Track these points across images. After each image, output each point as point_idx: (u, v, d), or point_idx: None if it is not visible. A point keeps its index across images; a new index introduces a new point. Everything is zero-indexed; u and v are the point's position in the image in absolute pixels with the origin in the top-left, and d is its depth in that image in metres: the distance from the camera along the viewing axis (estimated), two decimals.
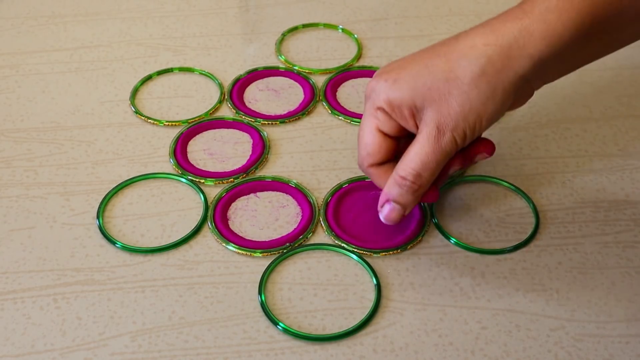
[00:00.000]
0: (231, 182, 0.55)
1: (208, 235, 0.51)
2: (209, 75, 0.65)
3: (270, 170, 0.56)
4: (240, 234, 0.51)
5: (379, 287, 0.47)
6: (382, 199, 0.48)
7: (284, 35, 0.70)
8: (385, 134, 0.47)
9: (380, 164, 0.48)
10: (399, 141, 0.48)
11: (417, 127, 0.45)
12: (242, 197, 0.54)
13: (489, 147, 0.48)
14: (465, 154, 0.48)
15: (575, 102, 0.62)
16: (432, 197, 0.48)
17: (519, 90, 0.44)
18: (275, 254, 0.50)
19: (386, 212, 0.48)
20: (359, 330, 0.45)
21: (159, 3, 0.74)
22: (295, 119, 0.60)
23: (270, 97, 0.63)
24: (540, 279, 0.48)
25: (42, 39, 0.69)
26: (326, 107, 0.62)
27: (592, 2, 0.42)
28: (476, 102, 0.43)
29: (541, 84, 0.46)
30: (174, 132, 0.59)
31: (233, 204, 0.53)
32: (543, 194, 0.54)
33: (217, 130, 0.60)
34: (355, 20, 0.72)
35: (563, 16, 0.42)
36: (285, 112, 0.61)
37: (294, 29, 0.71)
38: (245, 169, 0.55)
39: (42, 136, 0.59)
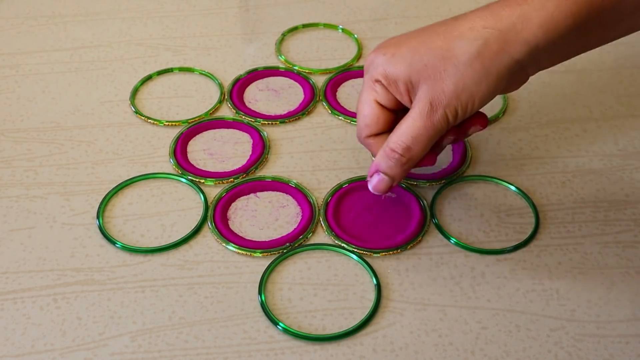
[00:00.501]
0: (231, 182, 0.55)
1: (208, 235, 0.51)
2: (209, 75, 0.65)
3: (270, 170, 0.56)
4: (240, 234, 0.51)
5: (379, 287, 0.47)
6: (371, 169, 0.48)
7: (284, 35, 0.70)
8: (382, 106, 0.48)
9: (378, 135, 0.49)
10: (397, 114, 0.49)
11: (412, 102, 0.46)
12: (242, 197, 0.54)
13: (483, 120, 0.49)
14: (459, 126, 0.48)
15: (575, 102, 0.62)
16: (429, 161, 0.49)
17: (514, 74, 0.45)
18: (275, 254, 0.50)
19: (375, 182, 0.48)
20: (359, 330, 0.45)
21: (159, 3, 0.74)
22: (295, 119, 0.60)
23: (270, 97, 0.63)
24: (540, 279, 0.48)
25: (42, 39, 0.69)
26: (326, 107, 0.62)
27: None
28: (470, 81, 0.44)
29: (536, 70, 0.47)
30: (174, 132, 0.59)
31: (233, 204, 0.53)
32: (543, 194, 0.54)
33: (217, 130, 0.60)
34: (355, 20, 0.72)
35: (561, 5, 0.43)
36: (285, 112, 0.61)
37: (294, 29, 0.71)
38: (245, 169, 0.55)
39: (42, 136, 0.59)
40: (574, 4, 0.43)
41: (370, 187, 0.49)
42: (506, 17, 0.43)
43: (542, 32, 0.43)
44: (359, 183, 0.54)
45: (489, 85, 0.44)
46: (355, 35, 0.69)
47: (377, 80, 0.47)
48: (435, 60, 0.44)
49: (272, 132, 0.59)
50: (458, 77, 0.44)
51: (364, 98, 0.48)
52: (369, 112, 0.48)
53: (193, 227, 0.51)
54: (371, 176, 0.48)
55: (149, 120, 0.60)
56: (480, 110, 0.47)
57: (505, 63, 0.44)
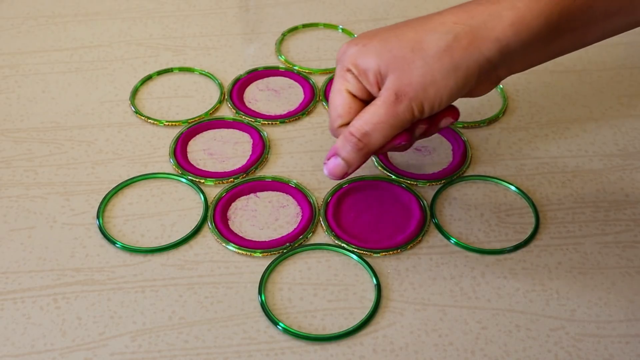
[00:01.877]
0: (231, 182, 0.55)
1: (208, 235, 0.51)
2: (209, 75, 0.65)
3: (270, 170, 0.56)
4: (240, 234, 0.51)
5: (379, 287, 0.47)
6: (330, 152, 0.48)
7: (284, 35, 0.70)
8: (354, 96, 0.48)
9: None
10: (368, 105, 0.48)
11: None
12: (242, 197, 0.54)
13: (454, 113, 0.49)
14: (431, 117, 0.48)
15: (575, 102, 0.62)
16: (401, 139, 0.47)
17: (484, 73, 0.45)
18: (275, 254, 0.50)
19: (330, 165, 0.48)
20: (359, 330, 0.45)
21: (159, 3, 0.74)
22: (295, 119, 0.60)
23: (270, 97, 0.63)
24: (540, 279, 0.48)
25: (42, 39, 0.69)
26: (326, 107, 0.62)
27: None
28: (438, 75, 0.44)
29: (507, 72, 0.47)
30: (174, 132, 0.59)
31: (233, 204, 0.53)
32: (543, 194, 0.54)
33: (217, 130, 0.60)
34: (355, 20, 0.72)
35: (532, 5, 0.43)
36: (285, 112, 0.61)
37: (294, 29, 0.71)
38: (245, 169, 0.55)
39: (42, 136, 0.59)
40: (545, 5, 0.43)
41: (325, 170, 0.48)
42: (478, 14, 0.44)
43: (513, 31, 0.43)
44: (359, 183, 0.54)
45: (458, 81, 0.44)
46: (355, 35, 0.69)
47: (349, 70, 0.47)
48: (404, 51, 0.45)
49: (272, 132, 0.59)
50: (426, 70, 0.44)
51: (336, 88, 0.48)
52: (341, 102, 0.48)
53: (193, 227, 0.51)
54: (328, 159, 0.48)
55: (149, 120, 0.60)
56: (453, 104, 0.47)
57: (475, 59, 0.44)
